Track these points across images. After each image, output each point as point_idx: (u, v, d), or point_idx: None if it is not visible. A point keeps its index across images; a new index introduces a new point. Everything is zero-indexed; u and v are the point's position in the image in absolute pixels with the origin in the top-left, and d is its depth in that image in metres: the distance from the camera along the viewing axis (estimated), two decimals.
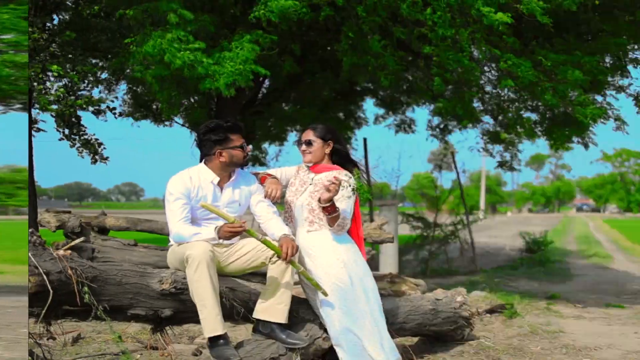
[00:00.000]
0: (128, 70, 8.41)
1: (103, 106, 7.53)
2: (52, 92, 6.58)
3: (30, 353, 3.91)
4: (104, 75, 9.25)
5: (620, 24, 6.59)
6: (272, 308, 3.62)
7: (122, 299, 3.67)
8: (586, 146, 7.50)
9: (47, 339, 4.14)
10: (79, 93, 6.83)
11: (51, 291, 3.35)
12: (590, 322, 6.04)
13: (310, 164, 3.86)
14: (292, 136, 12.18)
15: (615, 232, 28.01)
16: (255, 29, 6.54)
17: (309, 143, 3.80)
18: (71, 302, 3.55)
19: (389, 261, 8.73)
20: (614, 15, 6.57)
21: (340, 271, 3.64)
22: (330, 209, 3.53)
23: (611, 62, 7.05)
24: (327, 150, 3.81)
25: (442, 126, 10.55)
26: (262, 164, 11.39)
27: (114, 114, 7.42)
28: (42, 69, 6.35)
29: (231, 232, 3.41)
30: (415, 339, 5.10)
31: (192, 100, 9.57)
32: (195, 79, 5.92)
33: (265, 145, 12.09)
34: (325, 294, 3.60)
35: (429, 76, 6.47)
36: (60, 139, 7.61)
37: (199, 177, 3.66)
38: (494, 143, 8.59)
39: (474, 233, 25.31)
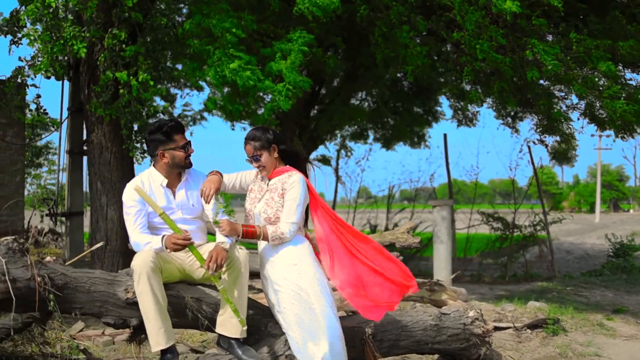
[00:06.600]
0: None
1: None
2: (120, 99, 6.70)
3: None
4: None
5: None
6: (227, 322, 3.52)
7: (92, 307, 3.71)
8: None
9: (40, 343, 4.28)
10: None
11: (14, 298, 3.44)
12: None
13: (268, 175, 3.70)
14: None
15: None
16: (297, 25, 6.46)
17: (256, 159, 3.60)
18: (42, 309, 3.66)
19: (441, 265, 8.22)
20: None
21: (297, 277, 3.46)
22: (248, 236, 3.47)
23: None
24: (275, 155, 3.63)
25: (512, 113, 9.76)
26: (328, 163, 11.26)
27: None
28: (114, 77, 6.55)
29: (175, 245, 3.33)
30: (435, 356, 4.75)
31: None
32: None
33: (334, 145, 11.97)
34: (242, 322, 3.45)
35: (459, 66, 6.02)
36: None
37: (150, 180, 3.64)
38: (546, 134, 7.83)
39: (586, 234, 23.41)
